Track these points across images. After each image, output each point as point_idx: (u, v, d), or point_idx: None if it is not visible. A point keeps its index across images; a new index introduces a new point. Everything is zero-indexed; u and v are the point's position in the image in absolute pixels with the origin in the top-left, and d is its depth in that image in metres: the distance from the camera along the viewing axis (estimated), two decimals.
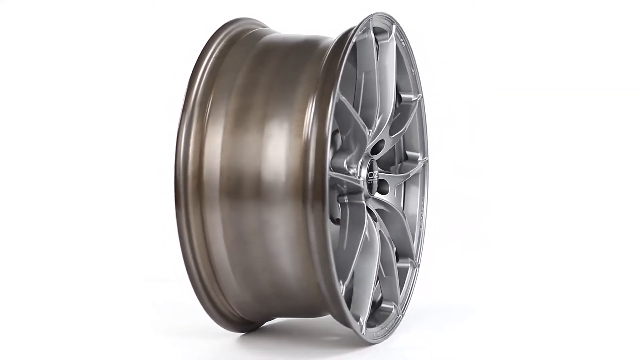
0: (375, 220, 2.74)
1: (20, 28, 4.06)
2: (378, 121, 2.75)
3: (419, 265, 3.00)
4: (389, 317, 2.82)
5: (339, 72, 2.42)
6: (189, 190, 2.50)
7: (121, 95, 4.13)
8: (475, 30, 4.15)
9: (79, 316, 2.96)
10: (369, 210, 2.73)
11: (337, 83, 2.41)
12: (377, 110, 2.67)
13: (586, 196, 4.07)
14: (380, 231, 2.74)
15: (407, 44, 2.86)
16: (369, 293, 2.65)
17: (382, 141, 2.77)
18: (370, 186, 2.72)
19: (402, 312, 2.86)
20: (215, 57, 2.62)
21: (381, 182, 2.85)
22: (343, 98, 2.47)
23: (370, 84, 2.64)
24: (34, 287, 3.32)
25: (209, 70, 2.59)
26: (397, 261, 2.95)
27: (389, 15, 2.74)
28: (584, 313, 3.00)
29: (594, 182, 4.10)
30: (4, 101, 4.12)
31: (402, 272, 2.96)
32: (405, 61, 2.89)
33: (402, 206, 3.03)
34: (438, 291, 3.11)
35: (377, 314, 2.83)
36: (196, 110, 2.52)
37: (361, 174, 2.68)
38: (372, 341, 2.66)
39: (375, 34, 2.74)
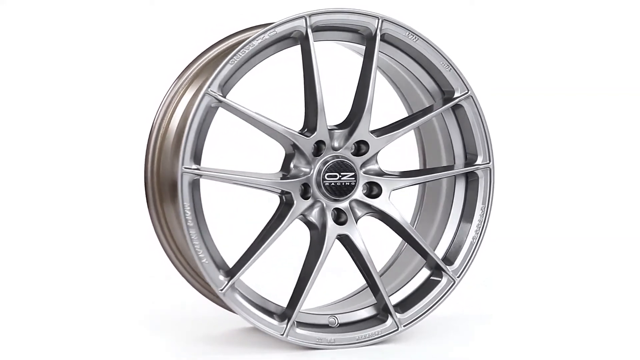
0: (341, 223, 2.70)
1: (20, 28, 4.14)
2: (353, 123, 2.72)
3: (458, 280, 2.79)
4: (377, 327, 2.70)
5: (213, 73, 2.55)
6: (155, 186, 2.84)
7: (121, 94, 4.13)
8: (475, 30, 4.10)
9: (78, 315, 3.02)
10: (340, 211, 2.71)
11: (208, 82, 2.51)
12: (319, 112, 2.63)
13: (587, 196, 4.07)
14: (345, 235, 2.69)
15: (423, 38, 2.71)
16: (302, 293, 2.63)
17: (363, 142, 2.71)
18: (334, 188, 2.67)
19: (406, 325, 2.73)
20: (210, 57, 2.88)
21: (374, 185, 2.77)
22: (224, 98, 2.55)
23: (312, 86, 2.65)
24: (32, 286, 3.38)
25: (195, 71, 2.86)
26: (432, 274, 2.82)
27: (364, 12, 2.66)
28: (594, 317, 2.94)
29: (594, 181, 4.09)
30: (4, 101, 4.18)
31: (430, 285, 2.81)
32: (430, 57, 2.75)
33: (460, 212, 2.85)
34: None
35: (369, 321, 2.74)
36: (170, 107, 2.85)
37: (314, 175, 2.67)
38: (307, 344, 2.63)
39: (359, 32, 2.70)
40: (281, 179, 2.63)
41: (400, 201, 2.93)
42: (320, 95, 2.61)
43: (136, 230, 3.61)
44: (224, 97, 2.55)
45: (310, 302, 2.81)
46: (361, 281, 2.79)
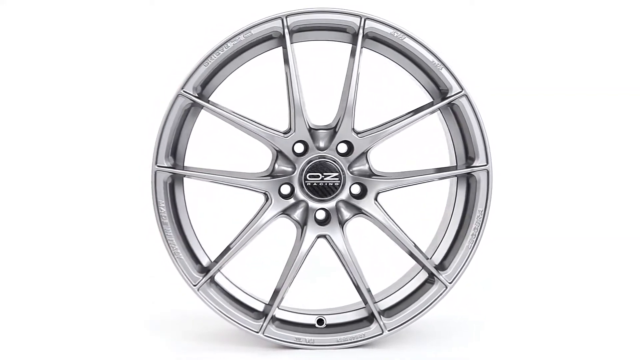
0: (322, 223, 2.73)
1: (20, 28, 4.16)
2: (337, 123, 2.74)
3: (450, 286, 2.72)
4: (361, 330, 2.67)
5: (189, 73, 2.67)
6: None
7: (121, 94, 4.07)
8: (475, 30, 4.03)
9: (79, 315, 3.02)
10: (326, 212, 2.74)
11: (181, 83, 2.60)
12: (296, 112, 2.64)
13: (586, 197, 4.02)
14: (327, 235, 2.70)
15: (411, 36, 2.63)
16: (280, 290, 2.66)
17: (346, 142, 2.70)
18: (317, 188, 2.67)
19: (391, 330, 2.70)
20: None
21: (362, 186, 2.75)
22: (198, 100, 2.61)
23: (288, 87, 2.67)
24: (34, 284, 3.39)
25: None
26: (428, 278, 2.78)
27: (345, 10, 2.65)
28: (590, 320, 2.91)
29: (593, 182, 4.04)
30: (4, 101, 4.14)
31: (423, 289, 2.77)
32: (420, 56, 2.70)
33: (460, 216, 2.78)
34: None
35: (356, 324, 2.72)
36: None
37: (297, 175, 2.67)
38: (283, 343, 2.64)
39: (347, 31, 2.69)
40: (270, 178, 2.67)
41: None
42: (298, 95, 2.62)
43: (137, 231, 3.69)
44: (199, 98, 2.61)
45: (326, 304, 2.82)
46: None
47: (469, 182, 2.71)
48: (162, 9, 4.10)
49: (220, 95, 2.76)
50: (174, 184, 2.68)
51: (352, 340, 2.64)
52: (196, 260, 2.66)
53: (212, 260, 2.69)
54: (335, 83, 2.75)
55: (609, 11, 4.08)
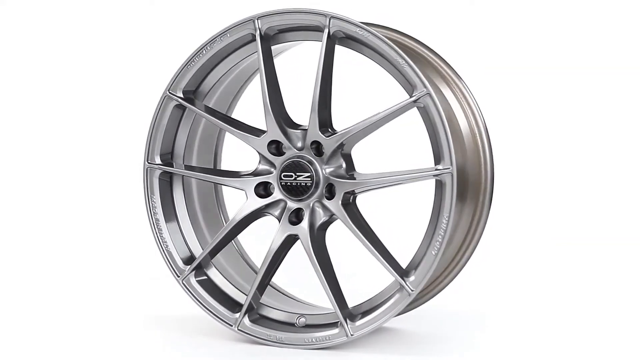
0: (294, 223, 2.77)
1: (20, 28, 4.14)
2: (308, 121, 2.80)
3: (413, 293, 2.61)
4: (326, 332, 2.67)
5: (173, 76, 2.86)
6: None
7: (121, 94, 4.04)
8: (475, 30, 3.96)
9: (79, 318, 3.01)
10: (299, 211, 2.77)
11: (167, 85, 2.75)
12: (266, 113, 2.68)
13: (583, 200, 3.93)
14: (293, 235, 2.72)
15: (373, 34, 2.55)
16: (250, 284, 2.74)
17: (316, 142, 2.70)
18: (290, 188, 2.69)
19: (354, 334, 2.66)
20: None
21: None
22: (184, 102, 2.75)
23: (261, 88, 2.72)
24: (34, 284, 3.38)
25: None
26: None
27: (312, 10, 2.63)
28: (581, 326, 2.90)
29: (591, 183, 3.95)
30: (4, 101, 4.09)
31: (393, 295, 2.75)
32: (385, 54, 2.60)
33: (435, 222, 2.71)
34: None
35: (327, 326, 2.70)
36: None
37: (275, 174, 2.71)
38: (254, 339, 2.70)
39: (317, 30, 2.69)
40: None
41: None
42: (266, 96, 2.68)
43: (139, 232, 3.60)
44: (185, 99, 2.77)
45: None
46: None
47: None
48: (162, 9, 4.17)
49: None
50: (172, 182, 2.83)
51: (317, 342, 2.65)
52: (191, 255, 2.80)
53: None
54: (337, 83, 2.74)
55: (611, 12, 3.84)
